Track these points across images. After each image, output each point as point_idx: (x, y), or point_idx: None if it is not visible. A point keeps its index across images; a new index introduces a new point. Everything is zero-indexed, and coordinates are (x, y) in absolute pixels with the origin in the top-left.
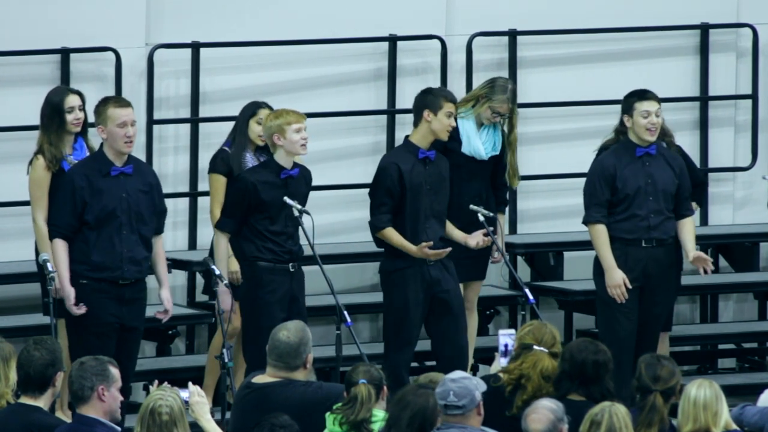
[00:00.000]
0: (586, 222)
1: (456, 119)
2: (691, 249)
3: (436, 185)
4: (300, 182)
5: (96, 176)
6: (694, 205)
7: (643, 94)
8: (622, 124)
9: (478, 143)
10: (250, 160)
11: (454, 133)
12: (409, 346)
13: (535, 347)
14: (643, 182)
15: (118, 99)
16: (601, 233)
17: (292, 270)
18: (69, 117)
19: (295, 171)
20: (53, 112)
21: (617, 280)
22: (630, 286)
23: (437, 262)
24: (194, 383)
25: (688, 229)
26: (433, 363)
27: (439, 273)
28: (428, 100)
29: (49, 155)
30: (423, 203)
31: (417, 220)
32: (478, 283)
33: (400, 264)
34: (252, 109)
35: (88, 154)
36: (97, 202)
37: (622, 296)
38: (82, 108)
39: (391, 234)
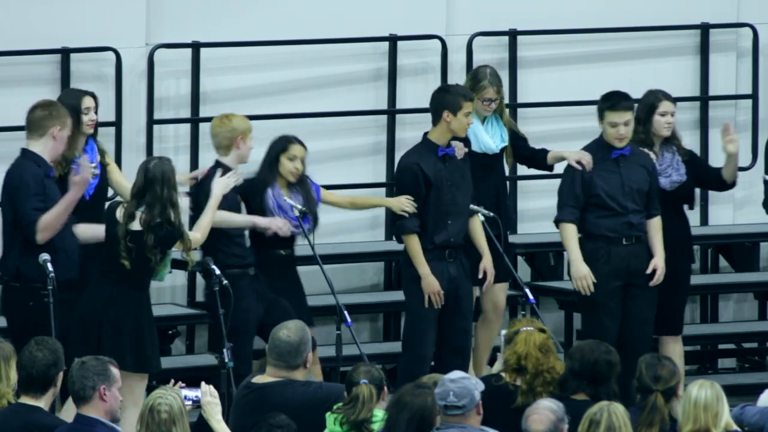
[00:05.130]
0: (559, 220)
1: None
2: (658, 255)
3: (458, 181)
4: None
5: None
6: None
7: (614, 104)
8: (638, 121)
9: (487, 138)
10: (271, 196)
11: None
12: (429, 341)
13: (521, 329)
14: (620, 182)
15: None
16: (570, 230)
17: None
18: (85, 118)
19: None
20: (70, 113)
21: (583, 271)
22: (595, 280)
23: (456, 259)
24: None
25: (657, 229)
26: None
27: (457, 271)
28: (448, 101)
29: (60, 157)
30: (445, 200)
31: (439, 218)
32: (505, 285)
33: (426, 257)
34: (283, 144)
35: (98, 155)
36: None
37: (587, 288)
38: (96, 110)
39: (415, 244)
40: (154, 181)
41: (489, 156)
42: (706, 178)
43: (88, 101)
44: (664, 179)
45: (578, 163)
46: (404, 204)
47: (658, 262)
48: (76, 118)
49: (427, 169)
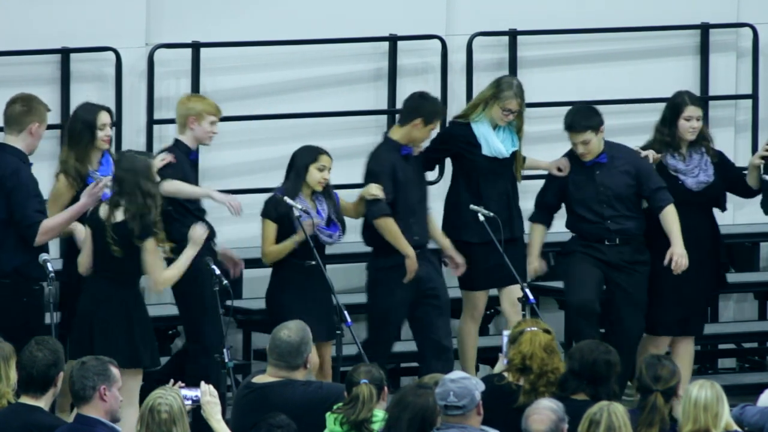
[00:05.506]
0: (530, 221)
1: (470, 125)
2: (675, 244)
3: (417, 181)
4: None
5: None
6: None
7: (569, 126)
8: (664, 122)
9: (498, 143)
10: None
11: (472, 138)
12: (388, 344)
13: (526, 329)
14: (595, 191)
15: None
16: (535, 229)
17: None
18: (100, 134)
19: (194, 155)
20: (85, 128)
21: (533, 263)
22: (546, 269)
23: (424, 259)
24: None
25: (670, 219)
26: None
27: (426, 271)
28: (425, 110)
29: (74, 172)
30: (410, 199)
31: (406, 218)
32: (517, 287)
33: (390, 262)
34: (313, 155)
35: (114, 168)
36: None
37: (534, 273)
38: (111, 125)
39: (393, 227)
40: (126, 173)
41: (499, 160)
42: (734, 181)
43: (104, 117)
44: (690, 179)
45: (558, 170)
46: (372, 188)
47: (675, 249)
48: (90, 133)
49: (398, 171)
